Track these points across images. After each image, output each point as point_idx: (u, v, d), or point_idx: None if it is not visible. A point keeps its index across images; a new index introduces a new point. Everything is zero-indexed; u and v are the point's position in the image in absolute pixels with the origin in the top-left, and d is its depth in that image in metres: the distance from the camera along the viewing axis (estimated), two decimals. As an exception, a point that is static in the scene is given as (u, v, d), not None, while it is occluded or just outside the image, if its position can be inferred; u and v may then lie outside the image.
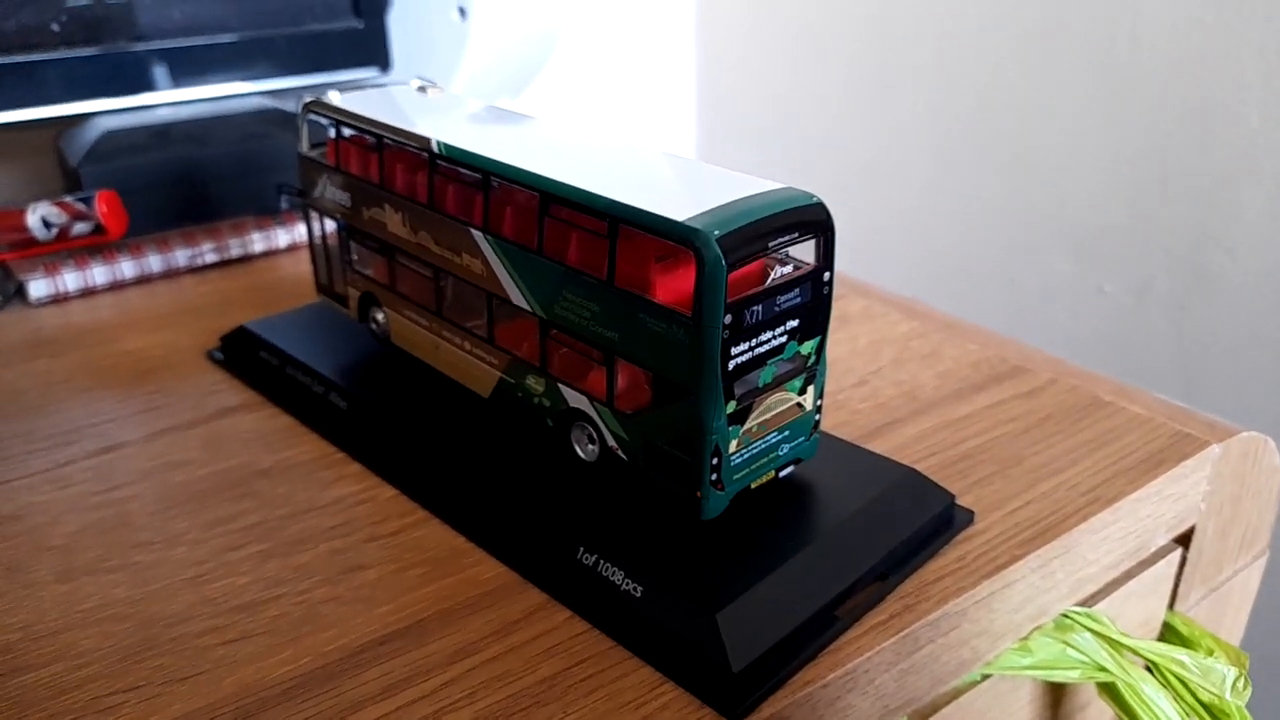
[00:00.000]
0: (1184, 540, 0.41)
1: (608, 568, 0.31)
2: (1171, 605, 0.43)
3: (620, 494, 0.34)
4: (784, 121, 1.08)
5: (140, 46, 0.62)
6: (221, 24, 0.65)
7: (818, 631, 0.30)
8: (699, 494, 0.31)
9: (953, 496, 0.35)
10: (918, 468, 0.38)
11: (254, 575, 0.34)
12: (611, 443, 0.33)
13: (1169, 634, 0.42)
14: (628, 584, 0.31)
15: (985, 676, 0.35)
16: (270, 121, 0.67)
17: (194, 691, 0.29)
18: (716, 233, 0.28)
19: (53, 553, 0.35)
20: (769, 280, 0.30)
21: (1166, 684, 0.36)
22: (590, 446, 0.34)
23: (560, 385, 0.35)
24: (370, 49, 0.73)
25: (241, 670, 0.30)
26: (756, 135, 1.12)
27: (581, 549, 0.32)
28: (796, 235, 0.30)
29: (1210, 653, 0.40)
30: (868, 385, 0.45)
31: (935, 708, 0.34)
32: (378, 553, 0.35)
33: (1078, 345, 0.91)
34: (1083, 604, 0.38)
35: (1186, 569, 0.42)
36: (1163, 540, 0.40)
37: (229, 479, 0.39)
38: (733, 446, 0.31)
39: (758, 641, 0.29)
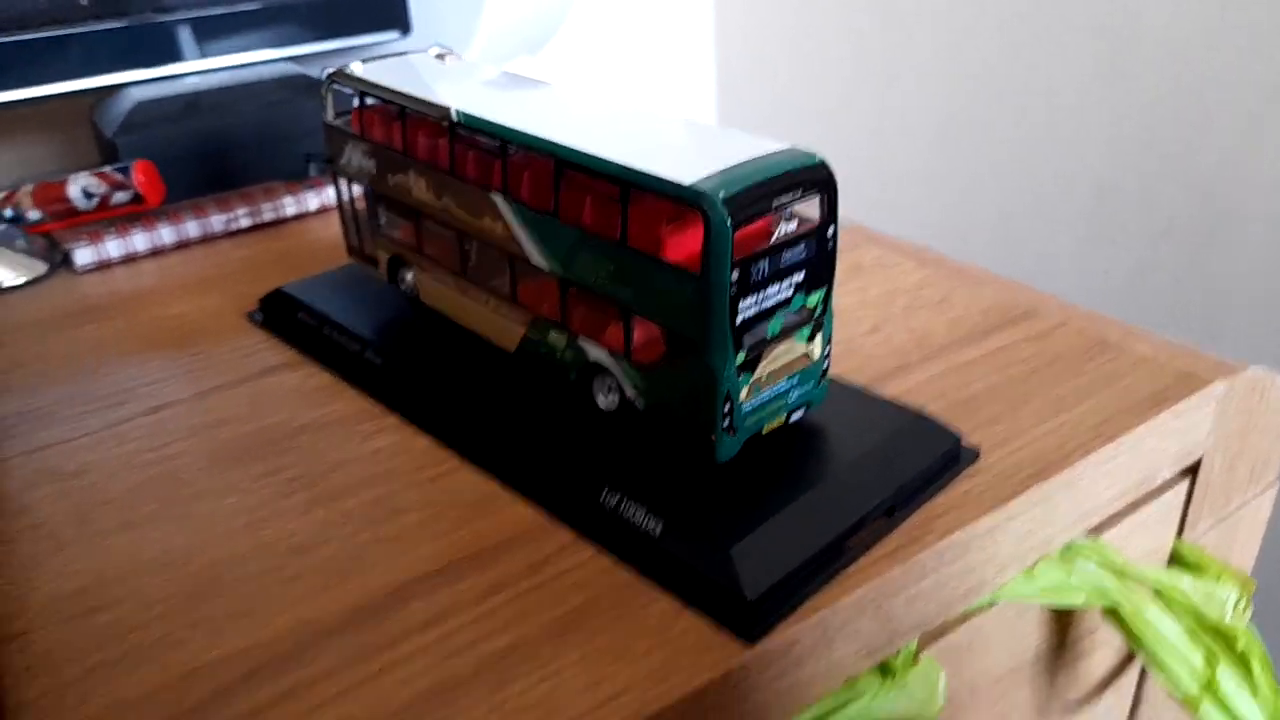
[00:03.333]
0: (1191, 472, 0.43)
1: (630, 507, 0.33)
2: (1180, 534, 0.44)
3: (639, 440, 0.36)
4: (801, 80, 1.08)
5: (166, 17, 0.64)
6: (245, -7, 0.66)
7: (827, 562, 0.32)
8: (713, 438, 0.33)
9: (958, 436, 0.37)
10: (927, 409, 0.40)
11: (303, 521, 0.37)
12: (630, 393, 0.35)
13: (1178, 562, 0.44)
14: (649, 522, 0.33)
15: (993, 602, 0.37)
16: (295, 87, 0.69)
17: (255, 626, 0.32)
18: (722, 194, 0.30)
19: (114, 505, 0.38)
20: (774, 237, 0.32)
21: (1170, 608, 0.38)
22: (610, 397, 0.36)
23: (580, 340, 0.36)
24: (390, 13, 0.74)
25: (297, 606, 0.33)
26: (774, 96, 1.12)
27: (605, 490, 0.34)
28: (800, 193, 0.32)
29: (1217, 578, 0.42)
30: (880, 332, 0.46)
31: (944, 630, 0.36)
32: (417, 498, 0.37)
33: (1097, 290, 0.92)
34: (1090, 533, 0.39)
35: (1194, 500, 0.43)
36: (1168, 473, 0.41)
37: (274, 434, 0.42)
38: (743, 394, 0.32)
39: (770, 572, 0.31)
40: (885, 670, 0.33)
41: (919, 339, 0.45)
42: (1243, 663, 0.39)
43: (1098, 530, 0.40)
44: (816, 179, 0.32)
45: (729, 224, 0.29)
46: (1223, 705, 0.36)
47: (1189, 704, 0.36)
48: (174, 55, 0.65)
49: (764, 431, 0.34)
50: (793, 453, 0.35)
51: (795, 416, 0.35)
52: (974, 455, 0.37)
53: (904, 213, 1.05)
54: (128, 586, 0.34)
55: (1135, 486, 0.40)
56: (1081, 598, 0.36)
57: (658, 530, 0.33)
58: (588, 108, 0.38)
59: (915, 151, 1.03)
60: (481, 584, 0.33)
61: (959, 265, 0.52)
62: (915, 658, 0.34)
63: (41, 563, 0.35)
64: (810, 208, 0.33)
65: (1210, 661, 0.36)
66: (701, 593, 0.31)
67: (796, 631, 0.30)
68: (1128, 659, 0.46)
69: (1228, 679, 0.36)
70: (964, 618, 0.36)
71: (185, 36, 0.65)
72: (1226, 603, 0.38)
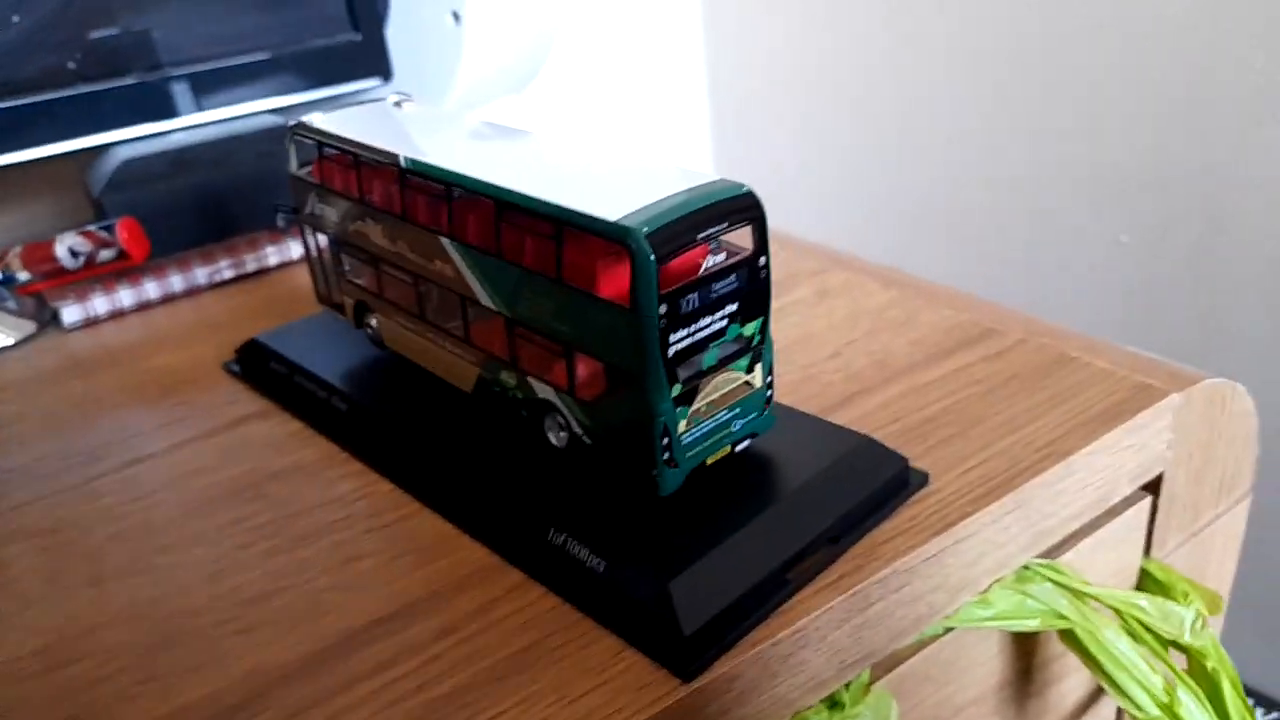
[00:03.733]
0: (1153, 488, 0.42)
1: (575, 546, 0.34)
2: (1148, 552, 0.44)
3: (587, 477, 0.36)
4: (799, 89, 1.09)
5: (151, 77, 0.65)
6: (227, 48, 0.68)
7: (769, 594, 0.32)
8: (654, 472, 0.33)
9: (905, 460, 0.37)
10: (882, 434, 0.40)
11: (263, 570, 0.37)
12: (577, 429, 0.36)
13: (1147, 581, 0.43)
14: (592, 560, 0.33)
15: (948, 629, 0.37)
16: (278, 138, 0.70)
17: (206, 679, 0.32)
18: (645, 230, 0.30)
19: (85, 560, 0.39)
20: (703, 269, 0.32)
21: (1130, 629, 0.38)
22: (560, 434, 0.37)
23: (529, 378, 0.37)
24: (370, 60, 0.75)
25: (249, 657, 0.33)
26: (770, 103, 1.12)
27: (552, 530, 0.35)
28: (727, 225, 0.32)
29: (1185, 596, 0.41)
30: (841, 357, 0.46)
31: (898, 660, 0.36)
32: (374, 543, 0.38)
33: (1098, 295, 0.91)
34: (1047, 555, 0.39)
35: (1159, 516, 0.43)
36: (1128, 490, 0.41)
37: (243, 483, 0.43)
38: (682, 426, 0.33)
39: (709, 606, 0.31)
40: (834, 703, 0.33)
41: (879, 362, 0.45)
42: (1211, 682, 0.38)
43: (1059, 551, 0.40)
44: (744, 209, 0.32)
45: (653, 258, 0.30)
46: (1179, 727, 0.35)
47: (1152, 725, 0.36)
48: (159, 113, 0.67)
49: (709, 463, 0.35)
50: (737, 483, 0.35)
51: (741, 446, 0.36)
52: (924, 479, 0.37)
53: (903, 224, 1.05)
54: (91, 642, 0.35)
55: (1093, 505, 0.40)
56: (1036, 622, 0.36)
57: (601, 567, 0.33)
58: (532, 148, 0.38)
59: (915, 164, 1.03)
60: (431, 628, 0.33)
61: (925, 285, 0.53)
62: (866, 689, 0.34)
63: (8, 621, 0.36)
64: (744, 239, 0.33)
65: (1170, 683, 0.36)
66: (641, 630, 0.31)
67: (737, 666, 0.31)
68: (1104, 679, 0.45)
69: (1188, 700, 0.35)
70: (918, 646, 0.36)
71: (170, 94, 0.67)
72: (1184, 621, 0.38)
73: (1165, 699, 0.36)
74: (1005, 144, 0.91)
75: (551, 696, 0.30)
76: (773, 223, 0.34)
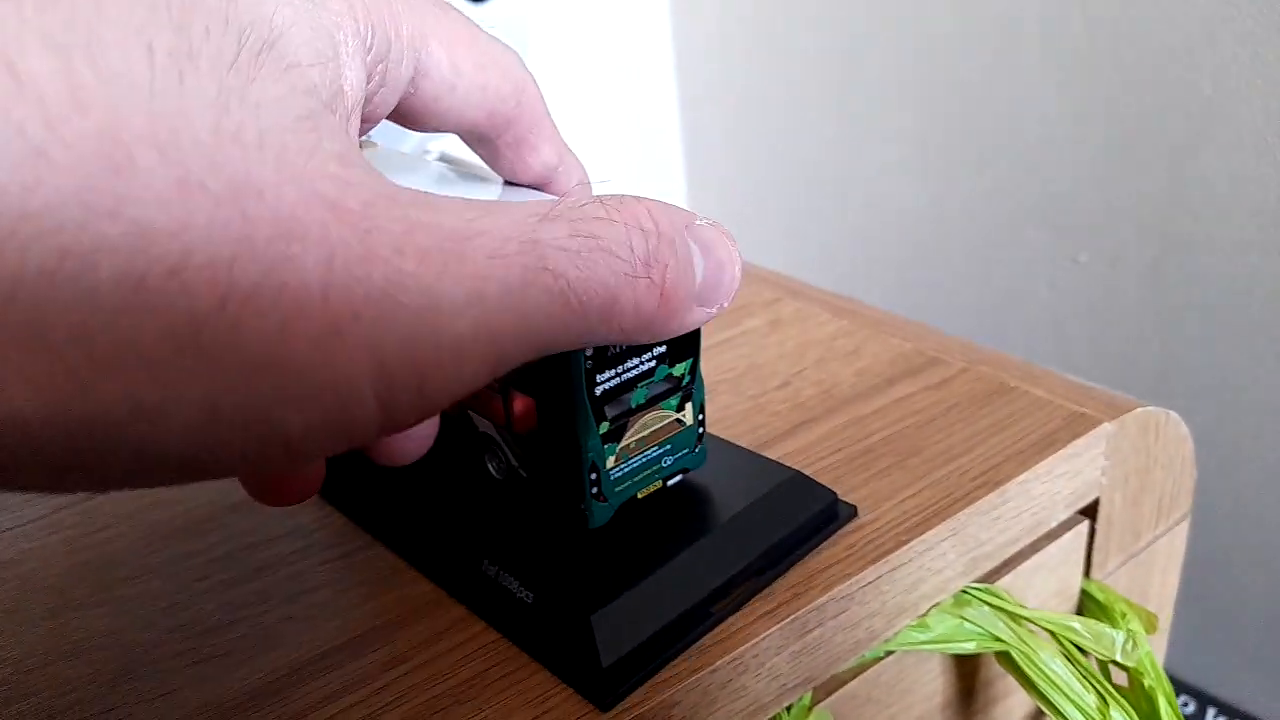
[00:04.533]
0: (1090, 512, 0.44)
1: (507, 578, 0.35)
2: (1088, 573, 0.45)
3: (522, 510, 0.37)
4: (758, 119, 1.10)
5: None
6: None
7: (691, 626, 0.33)
8: (583, 506, 0.34)
9: (834, 494, 0.38)
10: (823, 464, 0.41)
11: (220, 601, 0.38)
12: (514, 463, 0.37)
13: (1087, 601, 0.45)
14: (522, 592, 0.34)
15: (889, 653, 0.38)
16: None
17: (162, 710, 0.33)
18: None
19: (44, 592, 0.40)
20: None
21: (1065, 650, 0.39)
22: (500, 467, 0.38)
23: (470, 413, 0.38)
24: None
25: (205, 687, 0.34)
26: (737, 134, 1.14)
27: (485, 562, 0.36)
28: None
29: (1123, 616, 0.42)
30: (789, 387, 0.48)
31: (840, 683, 0.37)
32: (328, 575, 0.39)
33: (1058, 317, 0.93)
34: (987, 579, 0.40)
35: (1098, 539, 0.44)
36: (1064, 514, 0.42)
37: (203, 515, 0.44)
38: (610, 462, 0.34)
39: (629, 639, 0.32)
40: (774, 725, 0.34)
41: (825, 392, 0.47)
42: (1149, 698, 0.40)
43: (998, 575, 0.41)
44: None
45: None
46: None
47: (1086, 744, 0.37)
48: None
49: (640, 496, 0.36)
50: (667, 517, 0.36)
51: (673, 481, 0.37)
52: (852, 511, 0.38)
53: (861, 247, 1.06)
54: (47, 673, 0.35)
55: (1029, 530, 0.41)
56: (972, 644, 0.37)
57: (530, 600, 0.34)
58: (481, 195, 0.40)
59: (873, 187, 1.04)
60: (379, 659, 0.34)
61: (875, 313, 0.54)
62: (808, 711, 0.35)
63: (-34, 655, 0.37)
64: None
65: (1103, 702, 0.37)
66: (566, 662, 0.32)
67: (675, 694, 0.32)
68: (1046, 698, 0.46)
69: (1120, 717, 0.37)
70: (859, 669, 0.37)
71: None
72: (1114, 642, 0.39)
73: (1098, 717, 0.37)
74: (963, 166, 0.93)
75: (494, 726, 0.31)
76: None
